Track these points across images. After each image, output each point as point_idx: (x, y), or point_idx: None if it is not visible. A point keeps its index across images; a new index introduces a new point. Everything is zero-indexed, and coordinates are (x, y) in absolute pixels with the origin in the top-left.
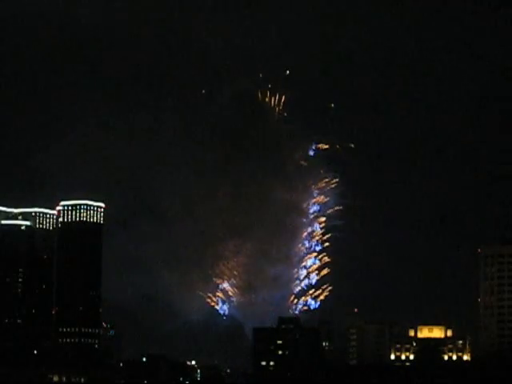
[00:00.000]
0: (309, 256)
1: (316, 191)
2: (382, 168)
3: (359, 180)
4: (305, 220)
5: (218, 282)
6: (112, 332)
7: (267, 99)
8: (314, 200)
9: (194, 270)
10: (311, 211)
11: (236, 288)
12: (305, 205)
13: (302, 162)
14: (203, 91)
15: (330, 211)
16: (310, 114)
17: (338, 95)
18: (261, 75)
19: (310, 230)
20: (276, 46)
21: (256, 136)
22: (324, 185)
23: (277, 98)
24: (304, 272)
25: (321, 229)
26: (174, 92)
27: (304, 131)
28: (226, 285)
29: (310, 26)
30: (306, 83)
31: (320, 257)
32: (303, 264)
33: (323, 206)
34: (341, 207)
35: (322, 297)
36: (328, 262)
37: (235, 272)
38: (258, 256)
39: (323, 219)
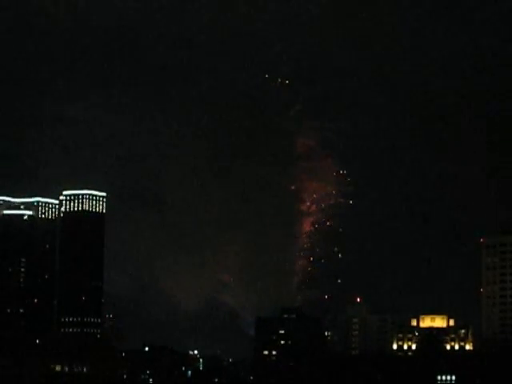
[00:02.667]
0: (311, 245)
1: (319, 180)
2: (385, 157)
3: (364, 169)
4: (307, 209)
5: (216, 271)
6: (116, 322)
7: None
8: (317, 189)
9: (193, 260)
10: (314, 200)
11: (234, 278)
12: (307, 194)
13: (305, 149)
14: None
15: (333, 201)
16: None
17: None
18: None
19: (312, 219)
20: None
21: (256, 122)
22: (327, 173)
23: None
24: (306, 262)
25: (323, 218)
26: (175, 81)
27: (308, 117)
28: (224, 274)
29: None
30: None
31: (322, 246)
32: (305, 253)
33: (326, 194)
34: (343, 199)
35: (326, 287)
36: (330, 251)
37: (233, 262)
38: (257, 245)
39: (326, 208)
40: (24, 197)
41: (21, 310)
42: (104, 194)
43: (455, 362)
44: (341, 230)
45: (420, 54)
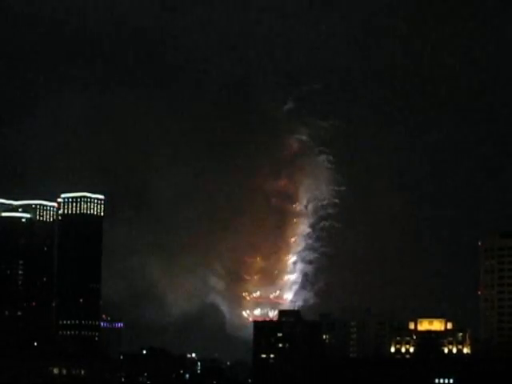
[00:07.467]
0: (304, 247)
1: (310, 177)
2: (382, 157)
3: (356, 167)
4: (298, 209)
5: (212, 274)
6: (119, 324)
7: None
8: (308, 187)
9: (185, 262)
10: (305, 199)
11: (225, 280)
12: (298, 193)
13: (294, 146)
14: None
15: (325, 200)
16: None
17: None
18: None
19: (303, 219)
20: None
21: (244, 119)
22: (318, 171)
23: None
24: (299, 264)
25: (316, 218)
26: (164, 77)
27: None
28: (215, 277)
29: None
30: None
31: (316, 248)
32: (298, 255)
33: (318, 193)
34: (337, 198)
35: (318, 290)
36: (326, 253)
37: (224, 263)
38: (248, 247)
39: (318, 208)
40: (22, 199)
41: (19, 313)
42: (102, 196)
43: (453, 365)
44: (336, 231)
45: None
